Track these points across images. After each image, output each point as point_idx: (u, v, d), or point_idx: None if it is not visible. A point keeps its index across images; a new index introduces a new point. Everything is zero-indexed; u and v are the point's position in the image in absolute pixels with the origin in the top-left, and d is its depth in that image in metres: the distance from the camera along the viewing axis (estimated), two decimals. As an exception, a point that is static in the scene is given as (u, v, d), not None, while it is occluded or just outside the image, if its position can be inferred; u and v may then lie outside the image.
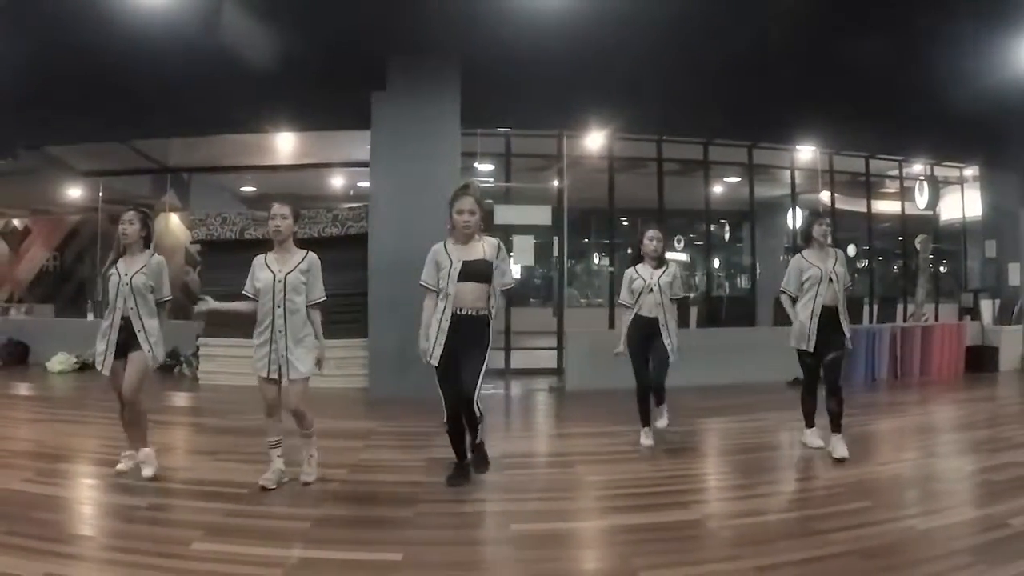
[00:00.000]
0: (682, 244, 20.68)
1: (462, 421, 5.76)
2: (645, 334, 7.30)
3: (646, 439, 7.35)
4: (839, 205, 15.09)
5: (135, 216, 6.08)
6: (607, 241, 16.57)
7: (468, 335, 5.65)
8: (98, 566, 4.11)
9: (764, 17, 8.90)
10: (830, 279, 6.86)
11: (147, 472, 5.79)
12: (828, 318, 6.86)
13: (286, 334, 5.66)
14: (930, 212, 15.79)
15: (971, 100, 10.56)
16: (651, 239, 7.44)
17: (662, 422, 7.50)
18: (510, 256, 6.31)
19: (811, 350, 6.96)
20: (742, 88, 10.88)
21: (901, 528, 4.81)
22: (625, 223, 18.80)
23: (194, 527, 4.71)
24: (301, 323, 5.75)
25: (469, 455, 5.99)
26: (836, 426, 6.78)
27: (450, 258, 5.73)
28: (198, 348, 11.79)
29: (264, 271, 5.79)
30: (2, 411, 9.06)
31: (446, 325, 5.65)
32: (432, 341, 5.69)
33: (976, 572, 4.04)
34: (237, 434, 7.69)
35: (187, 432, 8.02)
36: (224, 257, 11.60)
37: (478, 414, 5.74)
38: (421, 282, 5.86)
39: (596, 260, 23.17)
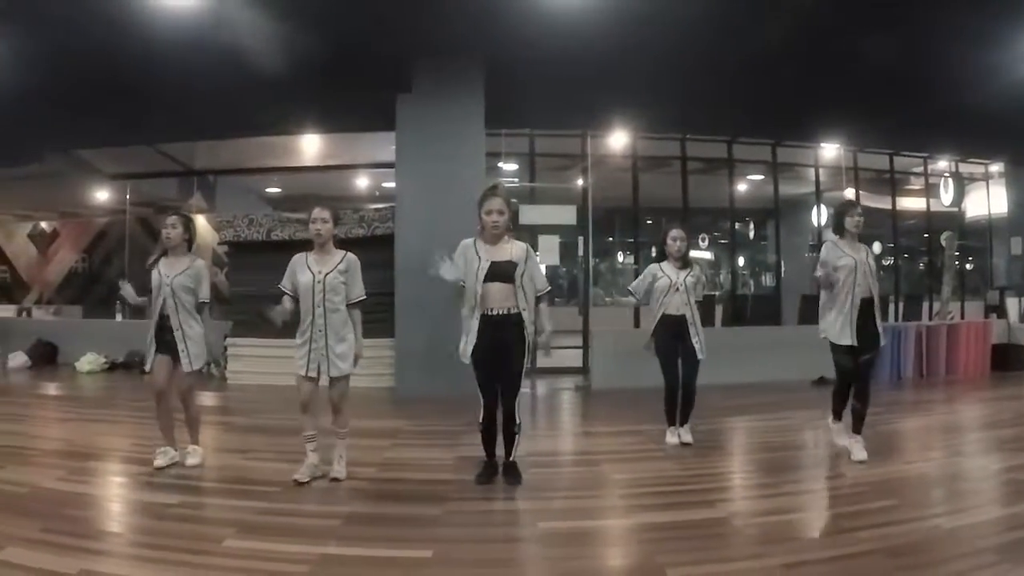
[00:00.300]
0: (707, 242, 20.66)
1: (497, 423, 5.86)
2: (673, 333, 7.20)
3: (671, 437, 7.30)
4: (864, 202, 14.98)
5: (178, 220, 6.42)
6: (631, 240, 16.58)
7: (502, 335, 5.69)
8: (130, 563, 4.15)
9: (786, 14, 8.85)
10: (864, 271, 6.56)
11: (192, 460, 6.27)
12: (864, 313, 6.56)
13: (326, 333, 5.79)
14: (955, 209, 15.69)
15: (996, 96, 10.50)
16: (675, 239, 7.31)
17: (687, 437, 7.27)
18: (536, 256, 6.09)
19: (854, 343, 6.53)
20: (765, 86, 10.82)
21: (927, 527, 4.78)
22: (649, 222, 18.78)
23: (225, 524, 4.77)
24: (342, 322, 5.88)
25: (498, 459, 6.03)
26: (858, 428, 6.66)
27: (479, 257, 5.75)
28: (226, 348, 11.88)
29: (304, 272, 5.86)
30: (33, 411, 9.20)
31: (477, 325, 5.71)
32: (464, 339, 5.81)
33: (1001, 571, 4.03)
34: (266, 433, 7.78)
35: (217, 431, 8.04)
36: (251, 258, 11.74)
37: (517, 421, 5.83)
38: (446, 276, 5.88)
39: (621, 259, 23.16)
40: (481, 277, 5.68)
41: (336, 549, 4.42)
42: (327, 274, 5.85)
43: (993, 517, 5.06)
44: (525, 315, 5.76)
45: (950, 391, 11.31)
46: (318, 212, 5.94)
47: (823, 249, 6.88)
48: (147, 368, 6.39)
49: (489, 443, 5.98)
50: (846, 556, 4.33)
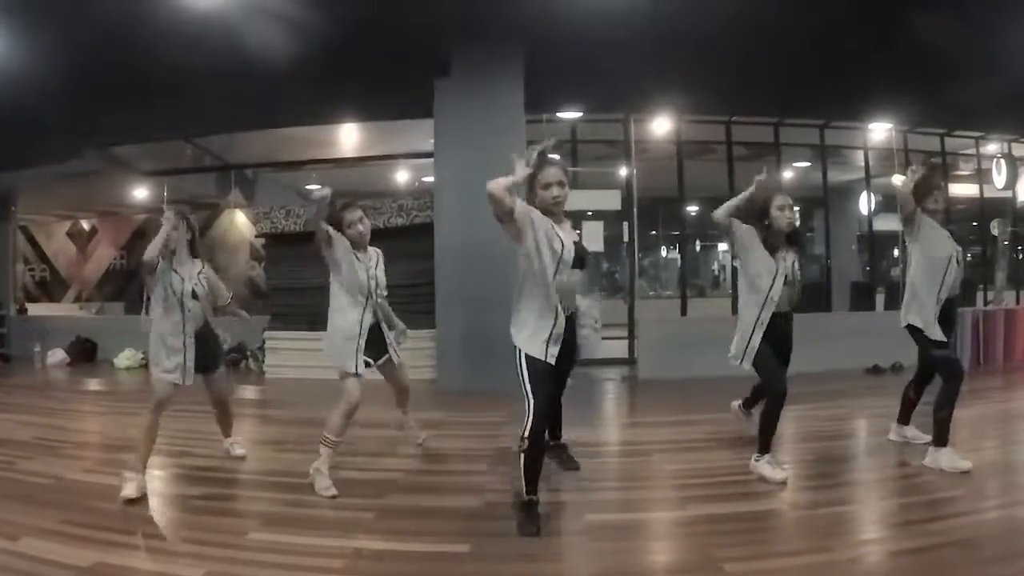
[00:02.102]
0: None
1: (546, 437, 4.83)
2: (783, 333, 5.75)
3: (775, 472, 5.49)
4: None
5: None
6: (676, 232, 16.30)
7: (572, 339, 4.73)
8: (147, 555, 4.04)
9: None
10: (957, 261, 5.68)
11: (240, 451, 6.20)
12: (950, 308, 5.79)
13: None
14: (1008, 193, 15.23)
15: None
16: (781, 208, 5.62)
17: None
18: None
19: (945, 339, 5.68)
20: (815, 60, 10.53)
21: (1000, 517, 4.51)
22: (694, 213, 18.48)
23: (252, 516, 4.63)
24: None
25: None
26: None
27: (562, 240, 4.58)
28: (264, 342, 11.74)
29: (361, 271, 5.64)
30: (68, 405, 9.13)
31: (561, 329, 4.55)
32: (546, 338, 4.53)
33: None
34: (301, 425, 7.56)
35: (251, 423, 7.95)
36: (288, 250, 11.61)
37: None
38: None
39: (664, 252, 22.81)
40: (568, 261, 4.57)
41: (368, 543, 4.23)
42: (375, 269, 5.82)
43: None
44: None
45: (1009, 378, 10.92)
46: (360, 213, 5.77)
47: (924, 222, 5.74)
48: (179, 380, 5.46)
49: (537, 468, 4.59)
50: (916, 549, 4.05)
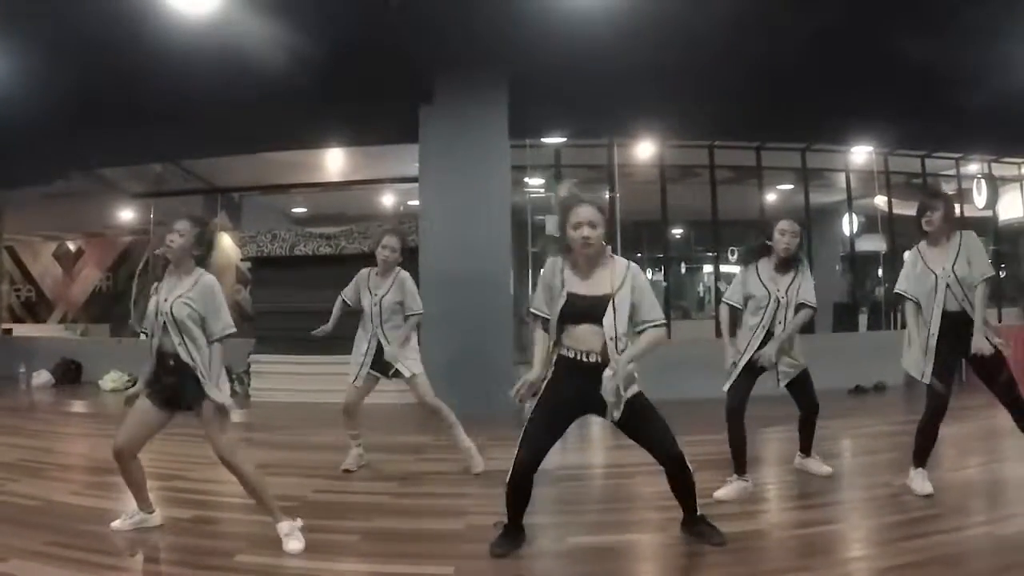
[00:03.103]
0: (736, 256, 20.48)
1: (532, 480, 4.48)
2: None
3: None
4: (895, 210, 14.79)
5: (187, 226, 4.80)
6: (660, 255, 16.40)
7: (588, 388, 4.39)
8: None
9: (814, 11, 8.73)
10: (947, 285, 5.47)
11: (292, 547, 4.47)
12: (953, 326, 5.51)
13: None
14: (988, 213, 15.40)
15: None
16: (783, 232, 5.81)
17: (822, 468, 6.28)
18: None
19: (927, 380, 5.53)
20: (795, 86, 10.67)
21: (980, 534, 4.59)
22: (678, 236, 18.59)
23: (238, 539, 4.67)
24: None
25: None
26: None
27: (564, 291, 4.48)
28: (249, 365, 11.77)
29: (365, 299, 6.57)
30: (53, 427, 9.19)
31: (570, 378, 4.46)
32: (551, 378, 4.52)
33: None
34: (287, 449, 7.66)
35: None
36: (274, 274, 11.69)
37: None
38: (532, 309, 4.72)
39: (650, 275, 22.92)
40: (571, 314, 4.45)
41: (353, 565, 4.32)
42: (383, 297, 6.49)
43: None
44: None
45: (990, 397, 11.02)
46: (391, 240, 6.51)
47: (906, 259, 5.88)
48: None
49: (522, 503, 4.57)
50: (898, 567, 4.13)
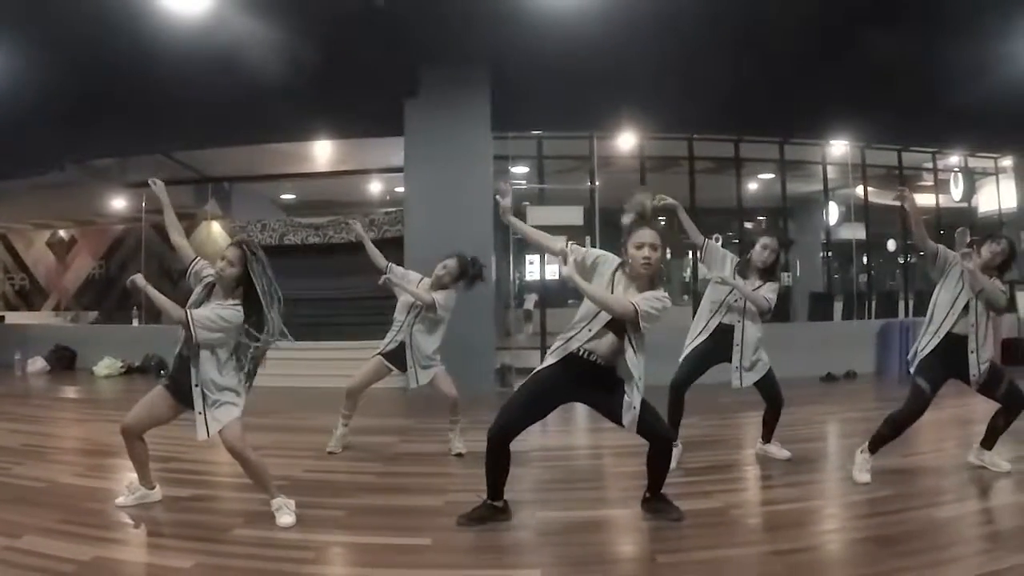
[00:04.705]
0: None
1: (508, 452, 4.78)
2: (726, 342, 6.43)
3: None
4: (873, 199, 15.05)
5: (237, 254, 4.86)
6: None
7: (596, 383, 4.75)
8: (141, 550, 4.41)
9: (793, 9, 8.97)
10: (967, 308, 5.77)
11: (286, 520, 4.77)
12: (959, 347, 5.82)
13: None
14: (965, 204, 15.68)
15: (1005, 89, 10.50)
16: (764, 247, 6.40)
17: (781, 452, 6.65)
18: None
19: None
20: (771, 81, 10.89)
21: (921, 516, 4.88)
22: (663, 222, 18.79)
23: (235, 515, 4.95)
24: None
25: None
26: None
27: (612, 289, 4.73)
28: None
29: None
30: (52, 412, 9.41)
31: (578, 368, 4.73)
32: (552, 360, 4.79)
33: (992, 558, 4.12)
34: (278, 431, 7.94)
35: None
36: (264, 263, 11.89)
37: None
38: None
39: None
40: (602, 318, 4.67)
41: (339, 537, 4.62)
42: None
43: (991, 506, 5.26)
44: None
45: (959, 385, 11.29)
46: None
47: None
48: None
49: (502, 474, 4.88)
50: (838, 543, 4.52)
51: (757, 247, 6.43)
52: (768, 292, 6.34)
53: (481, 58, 10.64)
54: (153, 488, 5.20)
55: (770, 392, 6.53)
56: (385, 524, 4.85)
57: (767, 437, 6.68)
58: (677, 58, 9.84)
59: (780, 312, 13.63)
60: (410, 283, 6.84)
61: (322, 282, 9.74)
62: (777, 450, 6.63)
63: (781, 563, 4.15)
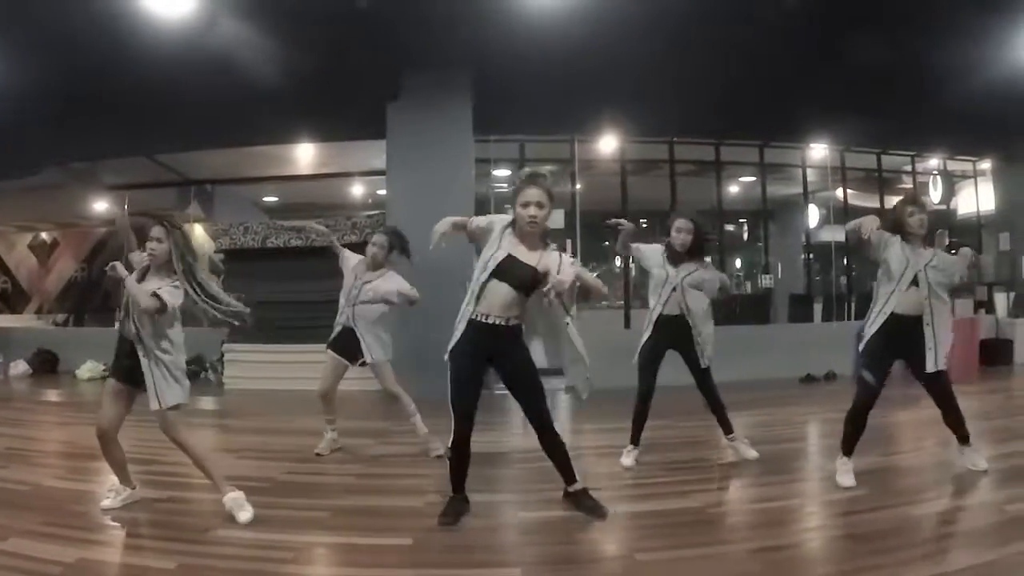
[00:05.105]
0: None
1: (470, 446, 4.96)
2: (669, 332, 6.46)
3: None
4: (853, 202, 15.16)
5: (163, 232, 4.96)
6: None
7: (501, 347, 4.92)
8: (125, 551, 4.43)
9: (772, 13, 9.02)
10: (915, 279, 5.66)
11: (243, 517, 4.84)
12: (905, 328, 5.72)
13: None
14: (944, 207, 15.80)
15: (982, 93, 10.58)
16: (679, 230, 6.38)
17: (749, 453, 6.63)
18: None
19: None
20: (751, 86, 10.97)
21: (895, 514, 4.94)
22: (644, 224, 18.87)
23: (215, 516, 4.96)
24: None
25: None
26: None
27: (498, 249, 4.84)
28: (223, 354, 12.06)
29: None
30: (34, 416, 9.44)
31: (465, 328, 4.88)
32: (456, 344, 4.92)
33: (961, 555, 4.20)
34: (260, 434, 8.02)
35: (212, 432, 8.29)
36: (247, 266, 11.93)
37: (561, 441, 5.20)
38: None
39: (618, 263, 23.11)
40: (489, 267, 4.82)
41: (321, 537, 4.66)
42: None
43: (963, 504, 5.32)
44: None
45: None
46: (378, 238, 7.17)
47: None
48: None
49: (461, 471, 5.04)
50: (813, 541, 4.60)
51: (671, 232, 6.46)
52: (707, 274, 6.51)
53: (463, 61, 10.67)
54: (135, 488, 5.26)
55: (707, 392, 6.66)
56: (366, 525, 4.89)
57: (728, 430, 6.74)
58: (658, 62, 9.90)
59: (760, 314, 13.76)
60: (362, 272, 7.09)
61: (304, 285, 9.76)
62: (745, 449, 6.69)
63: (758, 561, 4.22)
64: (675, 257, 6.45)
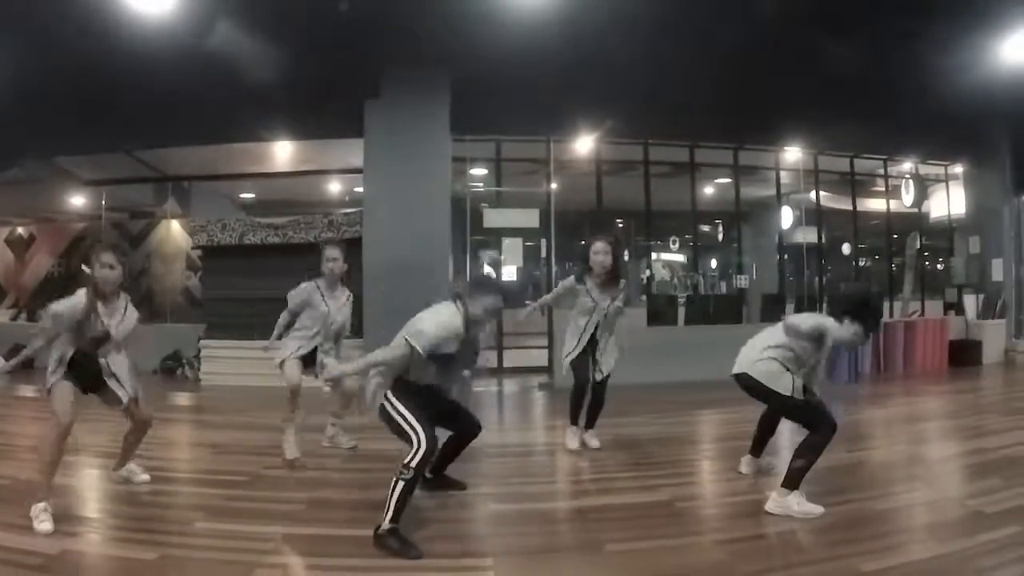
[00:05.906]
0: (677, 245, 20.85)
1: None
2: (592, 346, 6.97)
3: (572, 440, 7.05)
4: (826, 203, 15.33)
5: (114, 257, 5.26)
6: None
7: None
8: (106, 543, 4.51)
9: (747, 18, 9.16)
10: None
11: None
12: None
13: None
14: (916, 210, 15.99)
15: (953, 99, 10.78)
16: (596, 252, 6.77)
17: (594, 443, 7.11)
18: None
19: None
20: (725, 90, 11.11)
21: (857, 508, 5.11)
22: (620, 224, 18.94)
23: (196, 509, 5.07)
24: None
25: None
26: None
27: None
28: (200, 350, 12.11)
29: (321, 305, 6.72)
30: (13, 411, 9.45)
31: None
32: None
33: (924, 547, 4.36)
34: (236, 429, 8.06)
35: (189, 428, 8.38)
36: (224, 262, 11.98)
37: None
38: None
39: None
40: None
41: (299, 529, 4.76)
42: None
43: (927, 499, 5.44)
44: None
45: (906, 385, 11.67)
46: (334, 252, 6.77)
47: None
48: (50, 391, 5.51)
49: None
50: (776, 533, 4.71)
51: (591, 255, 6.81)
52: (622, 298, 7.00)
53: (441, 61, 10.78)
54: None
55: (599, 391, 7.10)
56: (343, 517, 5.02)
57: (590, 423, 7.20)
58: (634, 65, 10.03)
59: (733, 314, 13.88)
60: (328, 294, 6.86)
61: (281, 282, 9.76)
62: (590, 439, 7.13)
63: (724, 551, 4.38)
64: (598, 282, 6.84)
